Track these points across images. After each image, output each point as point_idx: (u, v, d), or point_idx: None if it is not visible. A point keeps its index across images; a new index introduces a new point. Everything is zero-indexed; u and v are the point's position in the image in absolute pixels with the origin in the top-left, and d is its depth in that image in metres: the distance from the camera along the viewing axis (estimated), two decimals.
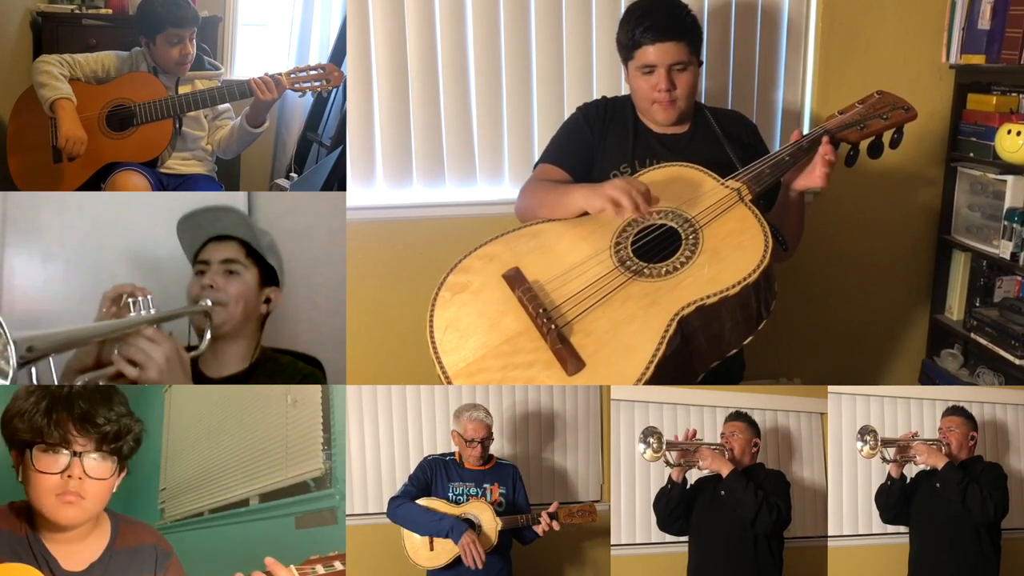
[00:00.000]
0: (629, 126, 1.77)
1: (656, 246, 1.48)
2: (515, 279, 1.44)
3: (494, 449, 1.88)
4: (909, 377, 2.62)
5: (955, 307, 2.50)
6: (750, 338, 1.48)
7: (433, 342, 1.39)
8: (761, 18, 2.32)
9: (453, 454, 1.82)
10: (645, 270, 1.43)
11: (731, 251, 1.43)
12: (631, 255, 1.46)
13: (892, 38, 2.36)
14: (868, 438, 1.71)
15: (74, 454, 1.07)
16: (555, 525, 1.74)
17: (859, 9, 2.34)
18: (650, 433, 1.67)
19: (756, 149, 1.79)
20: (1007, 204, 2.21)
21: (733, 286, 1.36)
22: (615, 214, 1.47)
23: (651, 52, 1.65)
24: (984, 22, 2.26)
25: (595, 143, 1.76)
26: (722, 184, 1.54)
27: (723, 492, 1.68)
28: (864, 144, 1.63)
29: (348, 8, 2.10)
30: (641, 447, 1.67)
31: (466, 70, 2.21)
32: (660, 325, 1.33)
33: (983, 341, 2.35)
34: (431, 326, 1.41)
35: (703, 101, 2.30)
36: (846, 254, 2.49)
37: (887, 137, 1.63)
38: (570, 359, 1.31)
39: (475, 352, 1.37)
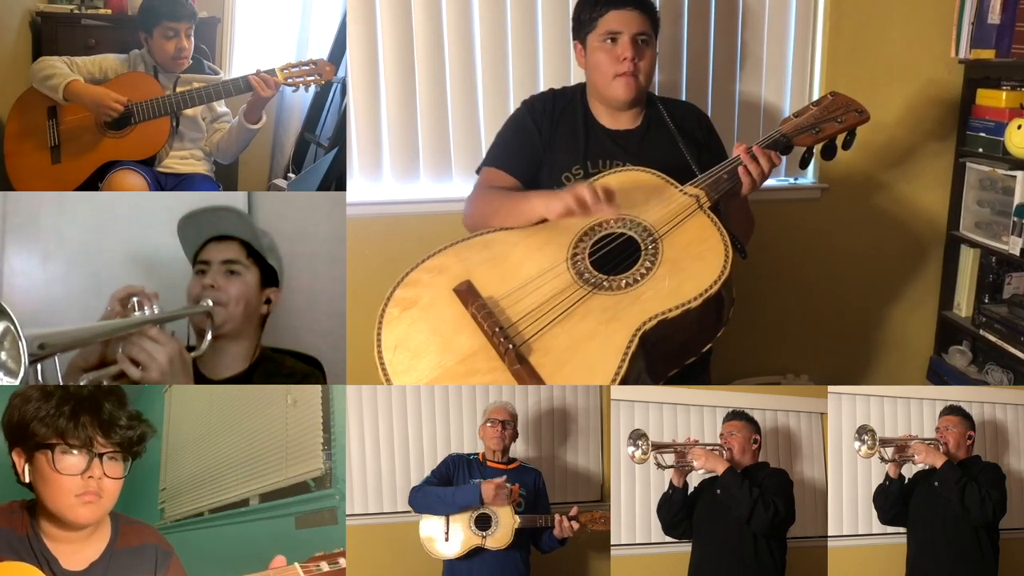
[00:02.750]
0: (579, 122, 1.73)
1: (615, 256, 1.44)
2: (467, 294, 1.37)
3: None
4: (917, 374, 2.61)
5: (964, 303, 2.49)
6: (708, 346, 1.46)
7: (382, 363, 1.33)
8: (769, 13, 2.31)
9: (477, 454, 1.82)
10: (604, 283, 1.38)
11: (691, 262, 1.39)
12: (589, 267, 1.41)
13: (901, 33, 2.35)
14: (866, 437, 1.70)
15: (95, 455, 1.08)
16: (573, 525, 1.72)
17: (867, 4, 2.32)
18: (638, 436, 1.66)
19: (711, 146, 1.77)
20: (1016, 200, 2.20)
21: (695, 298, 1.33)
22: (579, 213, 1.42)
23: (615, 18, 1.64)
24: (994, 16, 2.25)
25: (543, 143, 1.71)
26: (680, 191, 1.51)
27: (719, 491, 1.67)
28: (818, 147, 1.61)
29: (351, 4, 2.10)
30: (630, 449, 1.67)
31: (473, 64, 2.20)
32: (622, 341, 1.29)
33: (992, 338, 2.34)
34: (379, 345, 1.34)
35: (708, 99, 2.30)
36: (854, 250, 2.48)
37: (840, 138, 1.61)
38: (529, 379, 1.27)
39: (429, 373, 1.31)
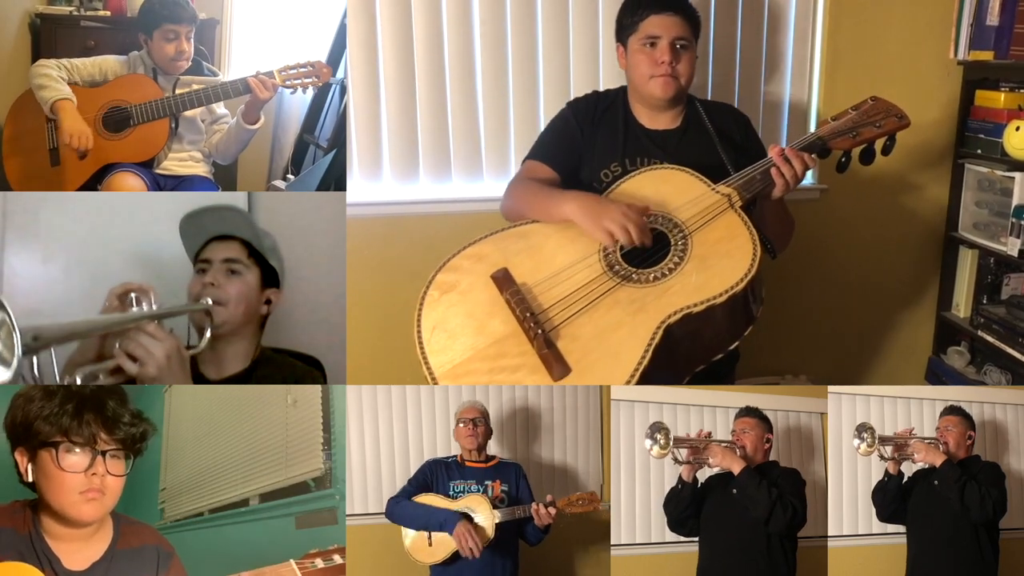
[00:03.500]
0: (620, 122, 1.76)
1: (645, 251, 1.47)
2: (503, 280, 1.44)
3: (496, 451, 1.88)
4: (915, 374, 2.61)
5: (962, 304, 2.50)
6: (736, 343, 1.47)
7: (420, 342, 1.40)
8: (768, 13, 2.31)
9: (455, 456, 1.83)
10: (633, 275, 1.42)
11: (719, 259, 1.42)
12: (619, 259, 1.46)
13: (900, 34, 2.35)
14: (865, 435, 1.69)
15: (99, 453, 1.09)
16: (550, 511, 1.72)
17: (867, 4, 2.33)
18: (657, 429, 1.62)
19: (748, 148, 1.78)
20: (1015, 201, 2.20)
21: (720, 294, 1.36)
22: (611, 246, 1.46)
23: (656, 22, 1.67)
24: (993, 18, 2.26)
25: (583, 142, 1.75)
26: (713, 189, 1.53)
27: (735, 490, 1.65)
28: (856, 150, 1.61)
29: (351, 5, 2.11)
30: (648, 443, 1.63)
31: (473, 65, 2.21)
32: (646, 333, 1.33)
33: (990, 339, 2.35)
34: (419, 325, 1.42)
35: (709, 96, 2.31)
36: (853, 250, 2.48)
37: (879, 144, 1.61)
38: (556, 364, 1.31)
39: (462, 354, 1.37)
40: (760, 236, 1.44)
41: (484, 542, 1.69)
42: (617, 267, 1.44)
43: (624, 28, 1.74)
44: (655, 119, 1.76)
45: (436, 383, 1.36)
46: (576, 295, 1.41)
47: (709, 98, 2.30)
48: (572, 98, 2.29)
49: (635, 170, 1.64)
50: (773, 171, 1.53)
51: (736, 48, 2.31)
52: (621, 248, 1.47)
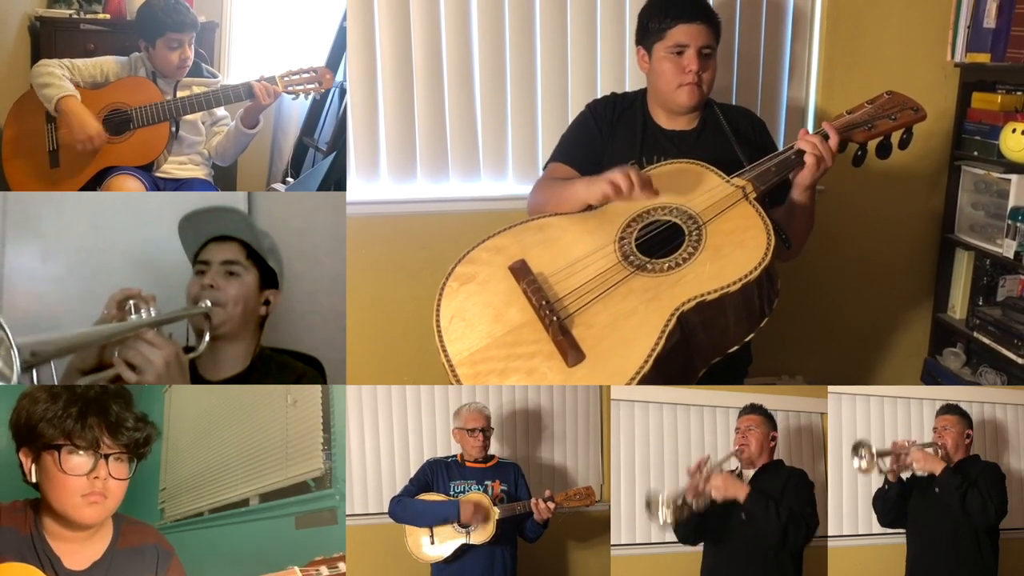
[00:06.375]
0: (638, 122, 1.79)
1: (660, 242, 1.49)
2: (520, 271, 1.46)
3: (495, 450, 1.89)
4: (911, 375, 2.62)
5: (958, 306, 2.51)
6: (751, 336, 1.48)
7: (439, 331, 1.42)
8: (766, 14, 2.32)
9: (455, 456, 1.85)
10: (648, 265, 1.44)
11: (733, 248, 1.44)
12: (635, 250, 1.48)
13: (897, 36, 2.37)
14: (863, 452, 1.66)
15: (101, 456, 1.09)
16: (550, 506, 1.74)
17: (864, 6, 2.34)
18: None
19: (765, 148, 1.79)
20: (1011, 203, 2.21)
21: (734, 283, 1.37)
22: (615, 197, 1.50)
23: (684, 31, 1.69)
24: (990, 20, 2.26)
25: (602, 142, 1.79)
26: (727, 181, 1.55)
27: (743, 515, 1.62)
28: (872, 144, 1.62)
29: (350, 6, 2.11)
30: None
31: (470, 65, 2.22)
32: (660, 320, 1.35)
33: (986, 340, 2.35)
34: (437, 315, 1.44)
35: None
36: (849, 252, 2.49)
37: (896, 137, 1.62)
38: (570, 351, 1.33)
39: (479, 342, 1.39)
40: (775, 227, 1.46)
41: (487, 538, 1.71)
42: (632, 257, 1.46)
43: (650, 33, 1.75)
44: (673, 121, 1.80)
45: (454, 371, 1.37)
46: (591, 284, 1.43)
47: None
48: (570, 98, 2.30)
49: (650, 167, 1.66)
50: (804, 148, 1.54)
51: (734, 50, 2.31)
52: (637, 238, 1.49)
